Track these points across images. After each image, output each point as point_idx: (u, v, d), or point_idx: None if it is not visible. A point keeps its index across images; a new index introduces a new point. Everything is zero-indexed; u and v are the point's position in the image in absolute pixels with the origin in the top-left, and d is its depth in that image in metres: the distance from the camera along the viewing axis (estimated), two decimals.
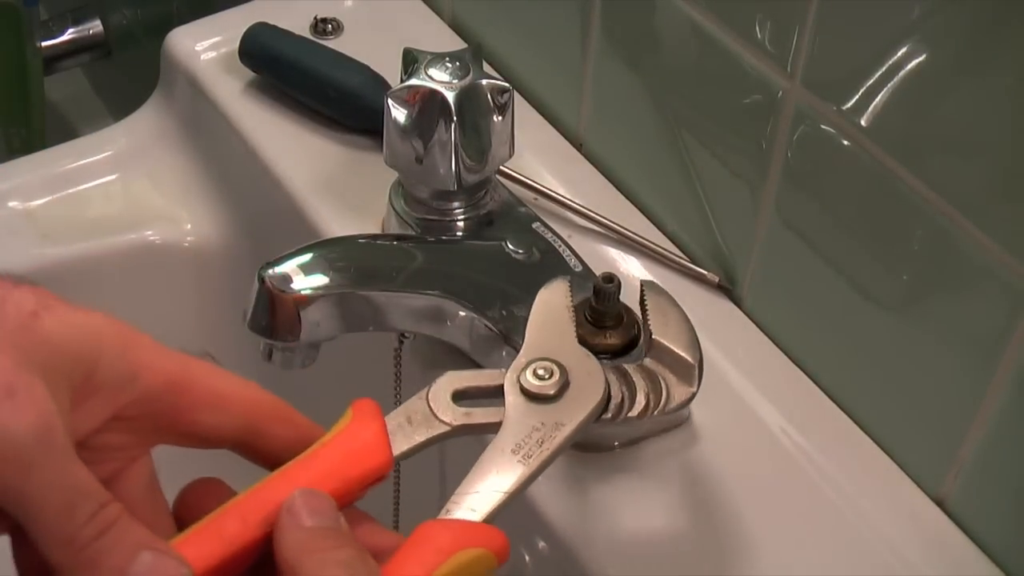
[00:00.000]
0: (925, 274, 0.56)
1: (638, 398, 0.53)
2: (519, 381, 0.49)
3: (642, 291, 0.57)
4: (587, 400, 0.49)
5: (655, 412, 0.53)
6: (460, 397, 0.48)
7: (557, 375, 0.49)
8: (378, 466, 0.46)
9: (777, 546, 0.57)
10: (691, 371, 0.54)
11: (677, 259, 0.68)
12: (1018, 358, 0.52)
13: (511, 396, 0.49)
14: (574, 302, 0.54)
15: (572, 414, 0.49)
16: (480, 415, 0.48)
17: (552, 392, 0.49)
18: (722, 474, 0.59)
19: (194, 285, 0.79)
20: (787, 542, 0.57)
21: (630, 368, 0.54)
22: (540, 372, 0.49)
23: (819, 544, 0.57)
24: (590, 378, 0.50)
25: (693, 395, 0.54)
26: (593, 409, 0.49)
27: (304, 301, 0.58)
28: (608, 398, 0.51)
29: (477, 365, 0.62)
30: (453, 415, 0.48)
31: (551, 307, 0.53)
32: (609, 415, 0.52)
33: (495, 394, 0.49)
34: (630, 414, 0.52)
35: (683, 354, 0.54)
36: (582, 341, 0.55)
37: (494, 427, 0.48)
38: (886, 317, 0.58)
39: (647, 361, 0.54)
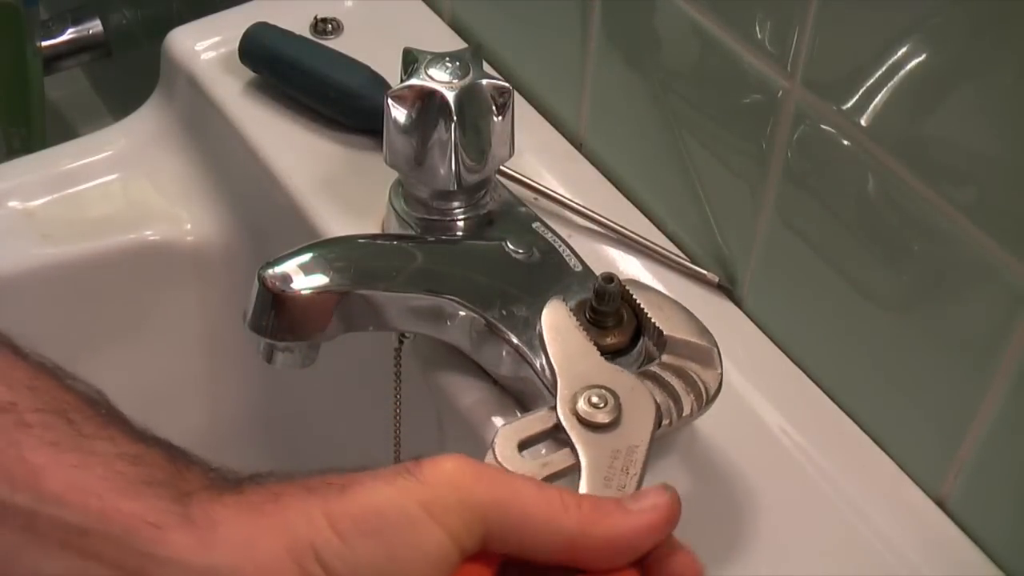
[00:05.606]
0: (925, 274, 0.56)
1: (681, 398, 0.53)
2: (576, 414, 0.49)
3: (630, 292, 0.57)
4: (645, 416, 0.49)
5: (705, 404, 0.53)
6: (523, 447, 0.48)
7: (610, 400, 0.49)
8: None
9: (777, 546, 0.57)
10: (711, 354, 0.54)
11: (677, 259, 0.68)
12: (1018, 358, 0.52)
13: (575, 432, 0.48)
14: (574, 308, 0.54)
15: (639, 433, 0.48)
16: (557, 460, 0.48)
17: (613, 418, 0.48)
18: (722, 474, 0.59)
19: (194, 285, 0.79)
20: (787, 542, 0.57)
21: (657, 370, 0.54)
22: (594, 401, 0.49)
23: (819, 544, 0.57)
24: (634, 394, 0.50)
25: (722, 376, 0.54)
26: (654, 422, 0.49)
27: (304, 301, 0.58)
28: (659, 407, 0.51)
29: (477, 366, 0.62)
30: (531, 469, 0.47)
31: (562, 332, 0.53)
32: (668, 421, 0.52)
33: (553, 434, 0.49)
34: (685, 414, 0.52)
35: (698, 341, 0.54)
36: None
37: (573, 468, 0.47)
38: (886, 317, 0.58)
39: (666, 358, 0.54)
